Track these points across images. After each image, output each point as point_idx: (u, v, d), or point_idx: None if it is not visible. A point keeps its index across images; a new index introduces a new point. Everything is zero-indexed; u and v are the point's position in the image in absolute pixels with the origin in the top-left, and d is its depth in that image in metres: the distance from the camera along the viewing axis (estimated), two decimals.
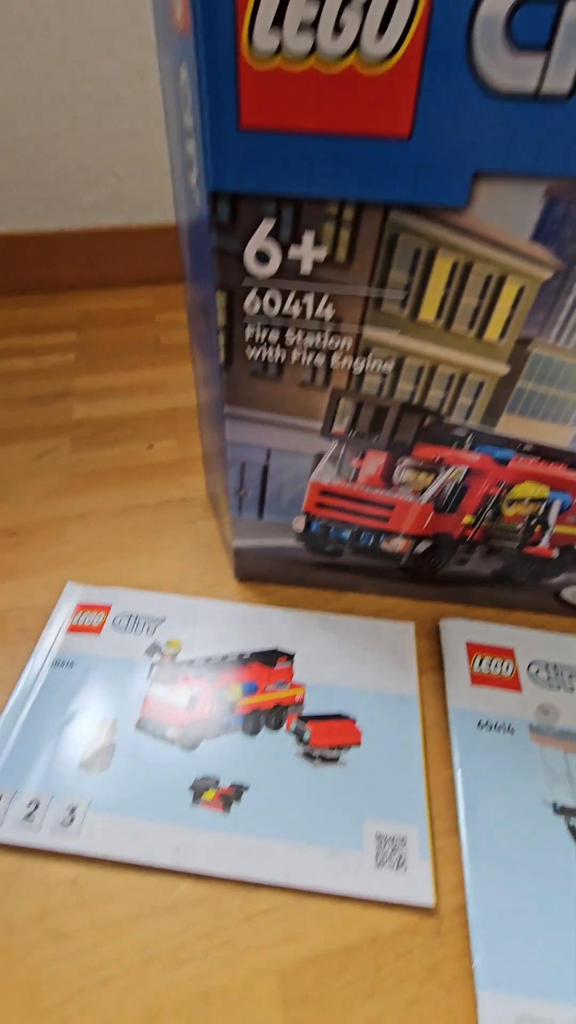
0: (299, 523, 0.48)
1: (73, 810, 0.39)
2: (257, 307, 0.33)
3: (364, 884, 0.37)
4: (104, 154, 0.99)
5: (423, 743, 0.44)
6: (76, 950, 0.35)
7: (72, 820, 0.39)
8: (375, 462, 0.41)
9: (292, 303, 0.33)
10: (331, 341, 0.34)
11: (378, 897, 0.36)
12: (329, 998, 0.33)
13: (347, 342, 0.34)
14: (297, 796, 0.40)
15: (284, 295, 0.33)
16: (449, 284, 0.32)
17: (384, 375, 0.36)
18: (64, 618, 0.51)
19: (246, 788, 0.41)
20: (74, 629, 0.50)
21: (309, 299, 0.33)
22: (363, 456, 0.41)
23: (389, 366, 0.35)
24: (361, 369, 0.36)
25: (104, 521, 0.62)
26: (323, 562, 0.52)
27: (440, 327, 0.34)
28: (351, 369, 0.36)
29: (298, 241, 0.31)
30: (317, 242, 0.31)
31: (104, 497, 0.65)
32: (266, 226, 0.30)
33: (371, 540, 0.48)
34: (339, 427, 0.40)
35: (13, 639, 0.50)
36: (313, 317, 0.33)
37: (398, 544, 0.48)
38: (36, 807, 0.39)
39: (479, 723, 0.44)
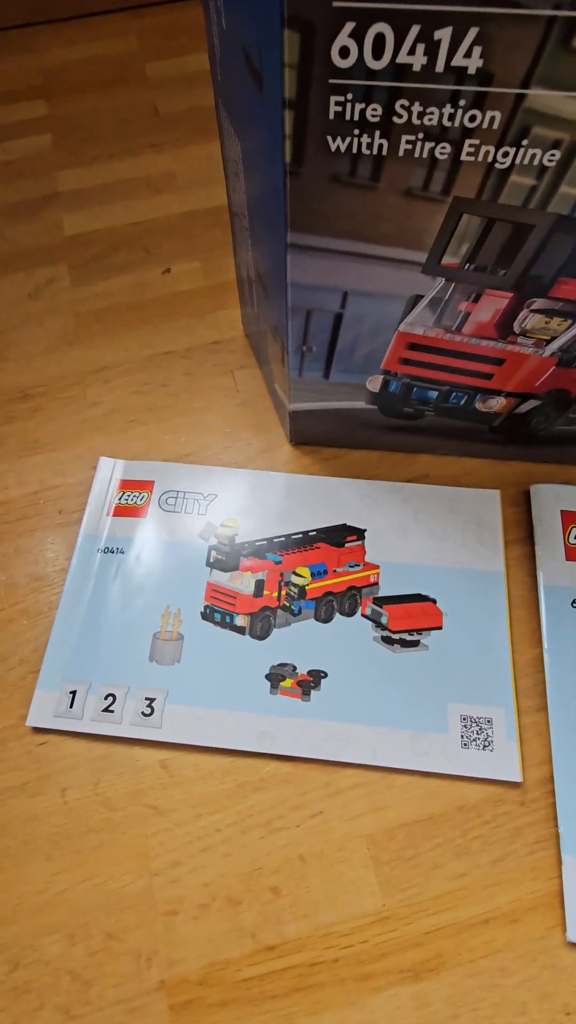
0: (375, 383, 0.39)
1: (152, 702, 0.38)
2: (354, 55, 0.20)
3: (450, 764, 0.37)
4: None
5: (509, 622, 0.41)
6: (177, 822, 0.37)
7: (152, 712, 0.38)
8: (493, 305, 0.31)
9: (415, 45, 0.20)
10: (469, 115, 0.22)
11: (464, 775, 0.37)
12: (418, 858, 0.35)
13: (495, 117, 0.21)
14: (378, 681, 0.39)
15: (401, 31, 0.19)
16: None
17: (542, 172, 0.23)
18: (106, 499, 0.46)
19: (324, 675, 0.39)
20: (120, 511, 0.45)
21: (444, 36, 0.19)
22: (478, 298, 0.31)
23: (554, 157, 0.23)
24: (507, 163, 0.23)
25: (127, 375, 0.53)
26: (396, 425, 0.44)
27: None
28: (491, 163, 0.23)
29: None
30: None
31: (122, 345, 0.54)
32: None
33: (463, 400, 0.39)
34: (453, 258, 0.28)
35: (52, 521, 0.46)
36: (447, 70, 0.20)
37: (497, 404, 0.39)
38: (113, 700, 0.39)
39: (574, 601, 0.40)
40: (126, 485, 0.46)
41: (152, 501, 0.46)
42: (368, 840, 0.36)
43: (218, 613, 0.41)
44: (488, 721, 0.38)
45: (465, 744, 0.37)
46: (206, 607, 0.42)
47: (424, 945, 0.34)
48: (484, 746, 0.37)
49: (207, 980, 0.33)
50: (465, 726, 0.38)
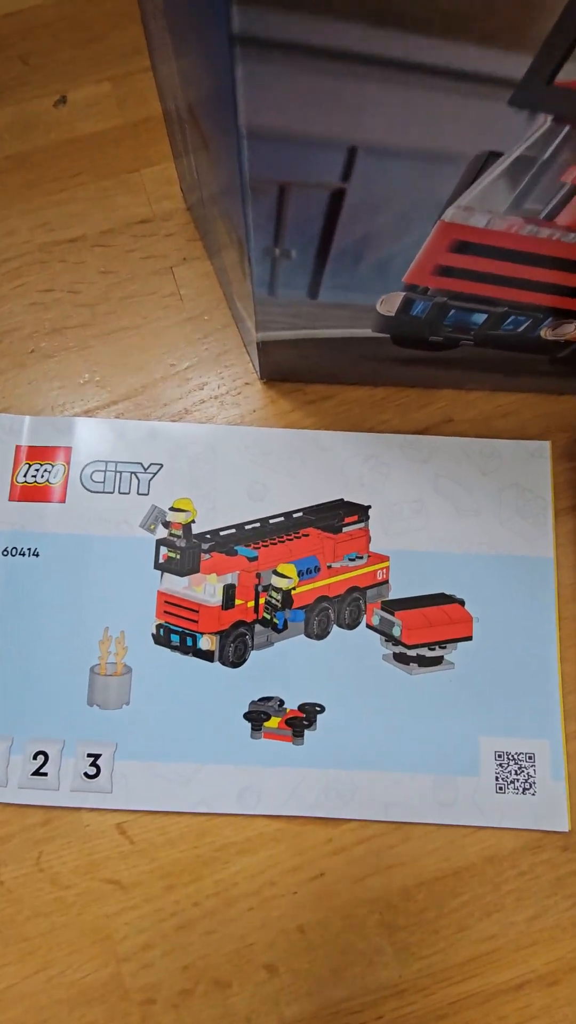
0: (391, 304, 0.24)
1: (96, 759, 0.29)
2: None
3: (482, 815, 0.29)
4: None
5: (558, 626, 0.31)
6: (144, 897, 0.30)
7: (98, 772, 0.29)
8: None
9: None
10: None
11: (501, 827, 0.30)
12: (440, 921, 0.29)
13: None
14: (390, 714, 0.30)
15: None
16: None
17: None
18: (3, 476, 0.33)
19: (321, 709, 0.30)
20: (25, 494, 0.32)
21: None
22: None
23: None
24: None
25: (17, 278, 0.36)
26: (413, 357, 0.30)
27: None
28: None
29: None
30: None
31: (8, 222, 0.37)
32: None
33: (524, 326, 0.25)
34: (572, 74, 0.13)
35: None
36: None
37: (570, 330, 0.26)
38: (45, 759, 0.29)
39: None
40: (33, 454, 0.33)
41: (71, 477, 0.32)
42: (380, 904, 0.30)
43: (175, 634, 0.31)
44: (529, 758, 0.30)
45: (501, 788, 0.30)
46: (159, 627, 0.31)
47: (448, 1017, 0.29)
48: (524, 789, 0.30)
49: None
50: (501, 765, 0.30)
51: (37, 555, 0.31)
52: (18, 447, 0.33)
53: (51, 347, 0.35)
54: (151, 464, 0.33)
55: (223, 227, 0.26)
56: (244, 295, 0.27)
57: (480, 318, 0.25)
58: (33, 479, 0.32)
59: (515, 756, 0.30)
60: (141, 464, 0.33)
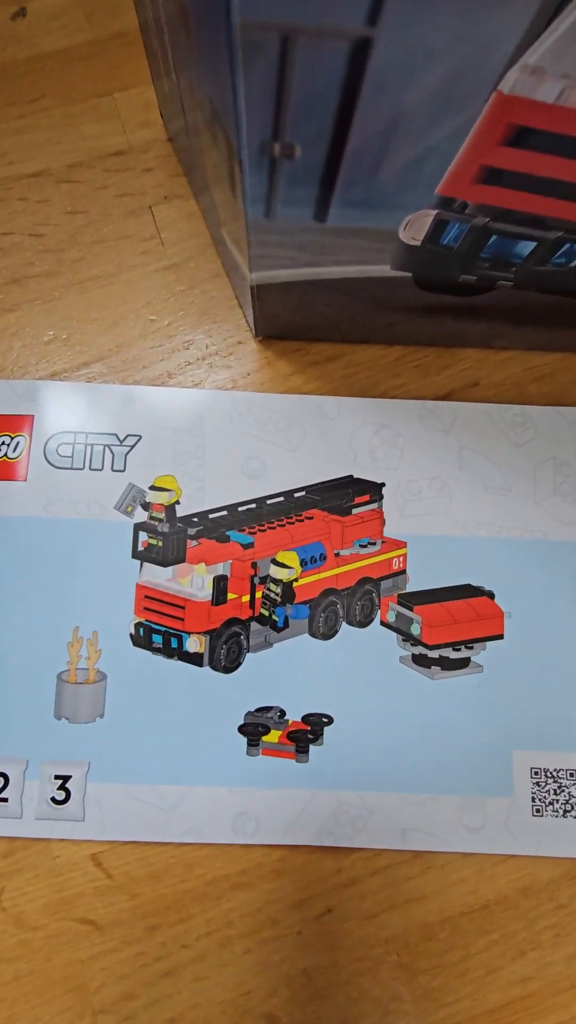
0: (417, 226, 0.19)
1: (65, 782, 0.25)
2: None
3: (516, 842, 0.25)
4: None
5: None
6: (123, 939, 0.25)
7: (67, 797, 0.25)
8: None
9: None
10: None
11: (538, 855, 0.25)
12: (467, 962, 0.26)
13: None
14: (408, 725, 0.26)
15: None
16: None
17: None
18: None
19: (328, 720, 0.26)
20: None
21: None
22: None
23: None
24: None
25: None
26: (437, 305, 0.25)
27: None
28: None
29: None
30: None
31: None
32: None
33: None
34: None
35: None
36: None
37: None
38: (6, 783, 0.25)
39: None
40: None
41: (34, 451, 0.28)
42: (398, 943, 0.26)
43: (158, 635, 0.26)
44: (571, 775, 0.26)
45: (538, 810, 0.25)
46: (138, 626, 0.26)
47: None
48: (565, 811, 0.25)
49: None
50: (538, 784, 0.26)
51: None
52: None
53: (10, 300, 0.30)
54: (128, 436, 0.28)
55: (207, 136, 0.21)
56: (236, 227, 0.22)
57: (526, 248, 0.20)
58: None
59: (554, 773, 0.26)
60: (116, 436, 0.28)
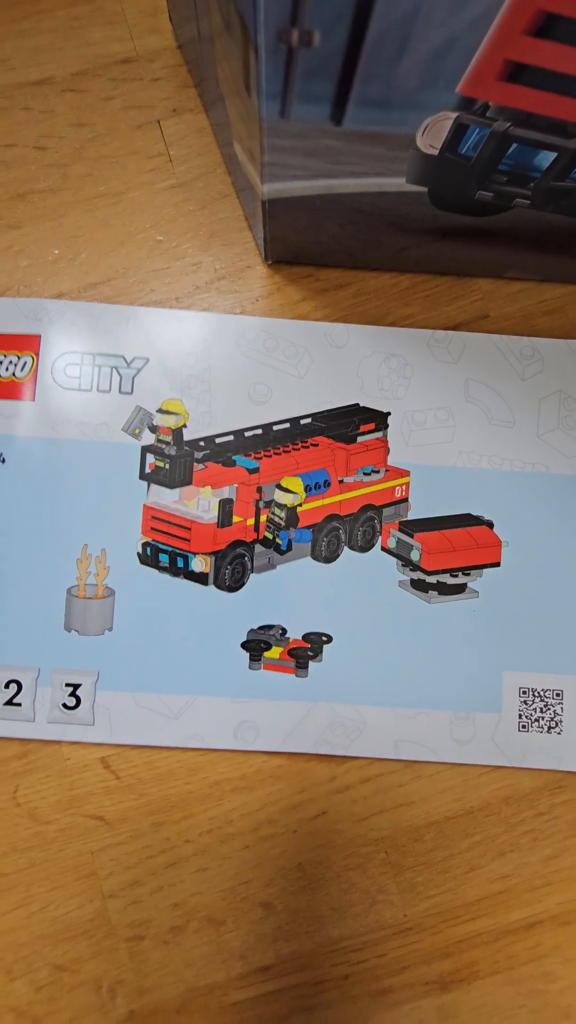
0: (436, 132, 0.19)
1: (76, 689, 0.26)
2: None
3: (502, 754, 0.27)
4: None
5: None
6: (131, 833, 0.27)
7: (77, 703, 0.26)
8: None
9: None
10: None
11: (523, 767, 0.27)
12: (450, 861, 0.27)
13: None
14: (404, 645, 0.27)
15: None
16: None
17: None
18: None
19: (327, 639, 0.27)
20: None
21: None
22: None
23: None
24: None
25: None
26: (452, 227, 0.25)
27: None
28: None
29: None
30: None
31: None
32: None
33: None
34: None
35: None
36: None
37: None
38: (19, 689, 0.26)
39: None
40: None
41: (41, 371, 0.28)
42: (386, 843, 0.27)
43: (164, 554, 0.27)
44: (557, 695, 0.27)
45: (524, 726, 0.27)
46: (145, 545, 0.27)
47: (454, 955, 0.27)
48: (549, 728, 0.27)
49: (187, 1007, 0.27)
50: (525, 702, 0.27)
51: (3, 461, 0.27)
52: None
53: (14, 216, 0.30)
54: (135, 358, 0.28)
55: (222, 33, 0.20)
56: (249, 134, 0.21)
57: (546, 160, 0.20)
58: None
59: (541, 693, 0.27)
60: (124, 358, 0.28)
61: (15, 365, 0.28)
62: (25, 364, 0.28)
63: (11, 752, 0.27)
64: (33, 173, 0.30)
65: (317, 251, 0.28)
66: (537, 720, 0.27)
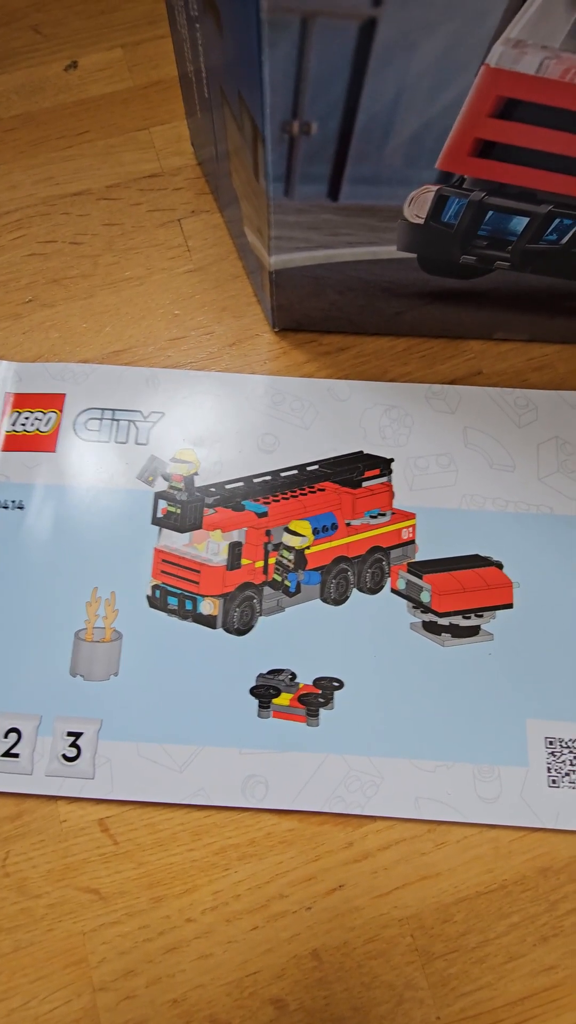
0: (421, 203, 0.22)
1: (77, 739, 0.25)
2: None
3: (532, 814, 0.24)
4: None
5: None
6: (127, 911, 0.25)
7: (78, 754, 0.25)
8: None
9: None
10: None
11: (557, 828, 0.25)
12: (485, 947, 0.24)
13: None
14: (419, 690, 0.26)
15: None
16: None
17: None
18: None
19: (339, 685, 0.26)
20: (13, 443, 0.29)
21: None
22: None
23: None
24: None
25: (19, 229, 0.35)
26: (441, 290, 0.27)
27: None
28: None
29: None
30: None
31: (7, 181, 0.36)
32: None
33: (571, 235, 0.23)
34: None
35: None
36: None
37: None
38: (18, 738, 0.25)
39: None
40: (22, 401, 0.30)
41: (64, 426, 0.30)
42: (412, 924, 0.24)
43: (174, 597, 0.27)
44: None
45: (554, 781, 0.25)
46: (155, 588, 0.27)
47: None
48: None
49: None
50: (553, 753, 0.25)
51: (21, 507, 0.28)
52: (6, 394, 0.30)
53: (50, 297, 0.33)
54: (152, 412, 0.30)
55: (233, 129, 0.24)
56: (258, 215, 0.25)
57: (520, 224, 0.23)
58: (22, 427, 0.29)
59: (569, 743, 0.25)
60: (141, 412, 0.30)
61: (40, 421, 0.29)
62: (49, 420, 0.30)
63: (5, 812, 0.26)
64: (68, 263, 0.34)
65: (320, 317, 0.31)
66: (568, 774, 0.25)
